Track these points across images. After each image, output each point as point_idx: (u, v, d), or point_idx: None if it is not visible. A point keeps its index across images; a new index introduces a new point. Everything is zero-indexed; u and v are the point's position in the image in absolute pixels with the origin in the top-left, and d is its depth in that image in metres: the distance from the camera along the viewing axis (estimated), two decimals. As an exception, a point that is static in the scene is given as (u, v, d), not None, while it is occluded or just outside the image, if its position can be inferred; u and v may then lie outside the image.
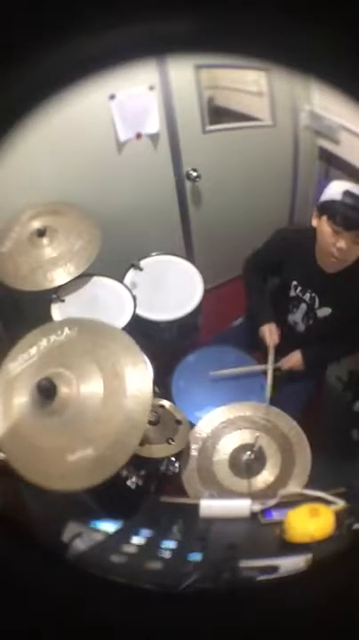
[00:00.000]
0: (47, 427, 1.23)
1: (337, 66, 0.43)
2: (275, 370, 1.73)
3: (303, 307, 1.71)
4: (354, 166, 2.03)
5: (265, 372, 1.74)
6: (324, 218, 1.46)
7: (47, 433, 1.23)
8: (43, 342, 1.37)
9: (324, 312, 1.66)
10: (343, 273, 1.55)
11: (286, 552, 0.99)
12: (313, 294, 1.66)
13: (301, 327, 1.77)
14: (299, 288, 1.68)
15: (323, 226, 1.47)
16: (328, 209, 1.44)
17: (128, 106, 1.93)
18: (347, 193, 1.40)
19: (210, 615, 0.50)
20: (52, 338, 1.37)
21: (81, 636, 0.48)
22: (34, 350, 1.35)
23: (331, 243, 1.46)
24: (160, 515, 1.25)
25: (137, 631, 0.48)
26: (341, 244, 1.44)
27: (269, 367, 1.72)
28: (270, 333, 1.76)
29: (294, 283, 1.69)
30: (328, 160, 2.22)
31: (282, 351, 1.79)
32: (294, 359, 1.73)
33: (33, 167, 1.75)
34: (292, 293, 1.71)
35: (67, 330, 1.39)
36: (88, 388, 1.27)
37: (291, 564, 0.93)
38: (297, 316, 1.75)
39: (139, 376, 1.29)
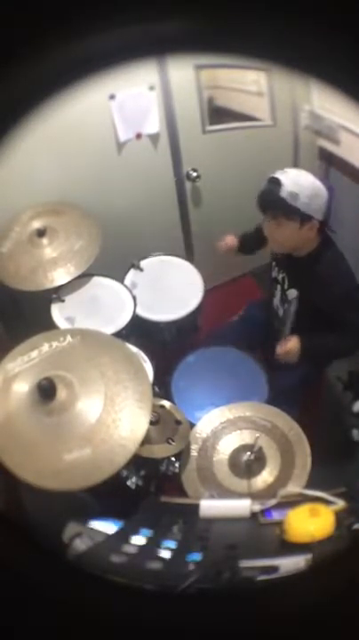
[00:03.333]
0: (44, 426, 1.23)
1: (337, 66, 0.43)
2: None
3: (279, 288, 1.75)
4: (354, 166, 2.03)
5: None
6: None
7: (43, 432, 1.23)
8: (45, 347, 1.38)
9: (292, 294, 1.68)
10: (308, 257, 1.58)
11: (286, 552, 0.99)
12: (284, 275, 1.70)
13: (281, 312, 1.79)
14: (277, 268, 1.73)
15: None
16: None
17: (128, 106, 1.93)
18: (268, 179, 1.46)
19: (210, 615, 0.50)
20: (54, 344, 1.39)
21: (81, 635, 0.48)
22: (35, 353, 1.36)
23: (264, 229, 1.53)
24: (160, 515, 1.25)
25: (137, 631, 0.48)
26: (264, 225, 1.51)
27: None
28: (227, 239, 1.89)
29: (274, 263, 1.75)
30: (328, 160, 2.22)
31: (269, 338, 1.83)
32: (290, 345, 1.67)
33: (33, 167, 1.75)
34: (274, 274, 1.76)
35: (69, 337, 1.40)
36: (88, 392, 1.27)
37: (291, 563, 0.93)
38: (277, 299, 1.79)
39: (139, 383, 1.31)
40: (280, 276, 1.71)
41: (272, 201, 1.42)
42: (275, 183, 1.42)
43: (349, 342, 1.67)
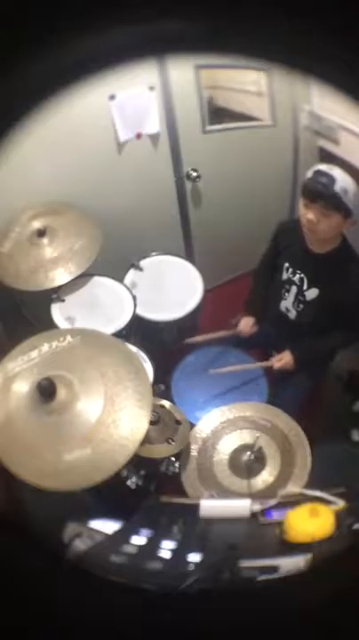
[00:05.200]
0: (44, 426, 1.23)
1: (337, 66, 0.43)
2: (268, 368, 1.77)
3: (293, 289, 1.73)
4: (354, 166, 2.03)
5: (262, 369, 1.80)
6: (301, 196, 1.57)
7: (43, 432, 1.23)
8: (45, 347, 1.38)
9: (312, 294, 1.68)
10: (331, 254, 1.60)
11: (286, 552, 0.99)
12: (302, 275, 1.70)
13: (293, 314, 1.78)
14: (291, 270, 1.73)
15: (300, 203, 1.57)
16: (302, 187, 1.55)
17: (128, 106, 1.93)
18: (316, 171, 1.50)
19: (210, 615, 0.50)
20: (54, 344, 1.39)
21: (81, 635, 0.48)
22: (35, 353, 1.36)
23: (304, 215, 1.54)
24: (160, 515, 1.25)
25: (137, 631, 0.48)
26: (310, 215, 1.51)
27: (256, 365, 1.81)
28: (244, 325, 1.89)
29: (286, 264, 1.74)
30: (328, 160, 2.22)
31: (276, 342, 1.84)
32: (285, 359, 1.75)
33: (33, 167, 1.75)
34: (284, 276, 1.75)
35: (69, 337, 1.40)
36: (88, 392, 1.27)
37: (291, 563, 0.93)
38: (288, 302, 1.77)
39: (139, 383, 1.31)
40: (296, 277, 1.71)
41: (327, 194, 1.46)
42: (329, 177, 1.46)
43: (342, 339, 1.72)
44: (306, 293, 1.70)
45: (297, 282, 1.71)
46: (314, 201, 1.49)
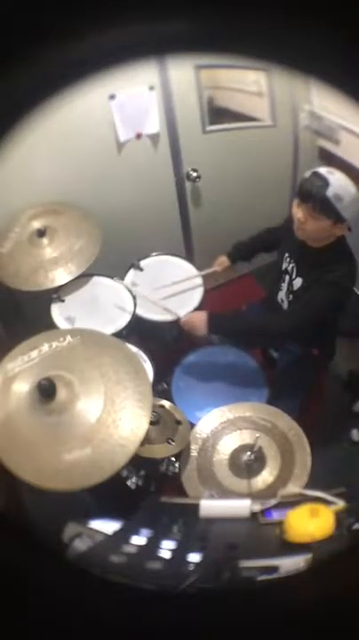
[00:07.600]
0: (44, 426, 1.23)
1: (337, 66, 0.43)
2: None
3: (287, 279, 1.75)
4: (354, 166, 2.03)
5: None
6: None
7: (43, 432, 1.23)
8: (45, 347, 1.38)
9: (297, 283, 1.70)
10: (324, 250, 1.59)
11: (286, 552, 0.99)
12: (293, 264, 1.71)
13: (285, 304, 1.79)
14: (288, 259, 1.74)
15: (294, 201, 1.58)
16: (298, 185, 1.56)
17: (128, 106, 1.93)
18: (313, 173, 1.49)
19: (210, 615, 0.50)
20: (54, 344, 1.39)
21: (81, 636, 0.48)
22: (35, 353, 1.36)
23: (294, 214, 1.55)
24: (160, 515, 1.25)
25: (137, 631, 0.48)
26: (299, 214, 1.53)
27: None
28: (219, 262, 1.98)
29: (286, 254, 1.75)
30: (328, 160, 2.22)
31: None
32: (197, 317, 1.71)
33: (33, 167, 1.76)
34: (284, 265, 1.76)
35: (69, 337, 1.40)
36: (88, 392, 1.27)
37: (291, 563, 0.93)
38: (283, 292, 1.78)
39: (139, 383, 1.31)
40: (290, 267, 1.72)
41: (317, 197, 1.45)
42: (323, 181, 1.44)
43: (280, 326, 1.68)
44: (293, 283, 1.71)
45: (290, 271, 1.73)
46: (304, 201, 1.49)
